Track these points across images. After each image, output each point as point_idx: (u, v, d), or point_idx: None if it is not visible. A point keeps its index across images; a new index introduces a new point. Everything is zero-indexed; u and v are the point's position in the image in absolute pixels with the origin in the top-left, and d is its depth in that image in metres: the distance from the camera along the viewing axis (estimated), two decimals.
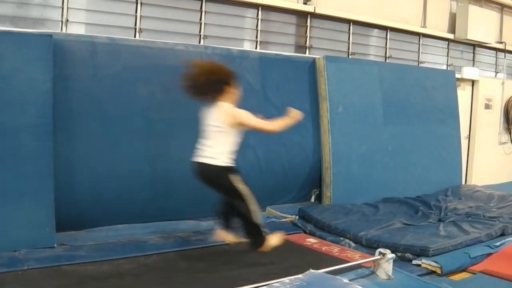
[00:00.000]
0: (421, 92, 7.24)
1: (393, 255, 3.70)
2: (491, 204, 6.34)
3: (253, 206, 3.88)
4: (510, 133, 9.39)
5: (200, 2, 5.75)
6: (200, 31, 5.78)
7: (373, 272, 3.70)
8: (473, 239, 4.71)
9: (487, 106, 9.00)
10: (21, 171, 4.04)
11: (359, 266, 3.83)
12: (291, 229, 5.18)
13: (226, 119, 3.80)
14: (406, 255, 4.35)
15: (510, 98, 9.33)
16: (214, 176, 3.83)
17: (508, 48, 9.50)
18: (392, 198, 6.31)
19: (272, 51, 6.22)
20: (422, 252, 4.30)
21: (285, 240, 4.77)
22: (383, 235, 4.69)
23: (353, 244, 4.70)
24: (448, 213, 5.73)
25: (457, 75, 8.16)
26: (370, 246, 4.50)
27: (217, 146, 3.81)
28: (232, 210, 4.03)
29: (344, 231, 4.88)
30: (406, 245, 4.42)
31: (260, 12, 6.26)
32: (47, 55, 4.22)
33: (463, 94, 8.51)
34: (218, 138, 3.81)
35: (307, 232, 5.12)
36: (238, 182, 3.83)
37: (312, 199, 6.35)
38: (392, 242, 4.46)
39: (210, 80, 3.88)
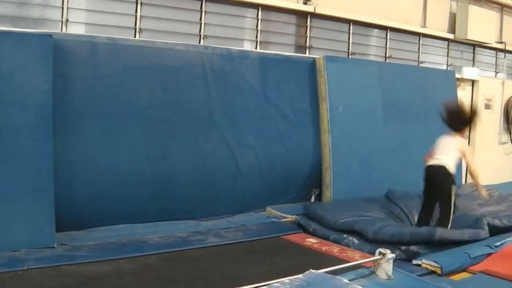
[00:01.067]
0: (421, 92, 7.24)
1: (393, 255, 3.70)
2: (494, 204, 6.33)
3: (449, 222, 4.79)
4: (510, 133, 9.39)
5: (200, 2, 5.75)
6: (200, 31, 5.78)
7: (373, 272, 3.70)
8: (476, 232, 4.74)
9: (487, 106, 8.99)
10: (20, 171, 4.04)
11: (359, 266, 3.83)
12: (291, 229, 5.18)
13: (459, 147, 5.04)
14: (411, 247, 4.38)
15: (510, 98, 9.33)
16: (439, 175, 4.94)
17: (508, 48, 9.50)
18: (398, 191, 6.32)
19: (272, 51, 6.22)
20: (428, 238, 4.36)
21: (285, 240, 4.79)
22: (388, 227, 4.70)
23: (356, 241, 4.70)
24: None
25: (457, 75, 8.16)
26: (376, 239, 4.51)
27: (447, 158, 4.98)
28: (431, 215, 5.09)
29: (349, 225, 4.86)
30: (413, 232, 4.49)
31: (260, 12, 6.26)
32: (47, 55, 4.22)
33: (463, 94, 8.51)
34: (449, 154, 5.00)
35: (310, 230, 5.11)
36: (453, 192, 4.85)
37: (312, 199, 6.35)
38: (398, 231, 4.51)
39: (459, 120, 5.16)
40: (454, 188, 4.87)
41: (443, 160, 4.95)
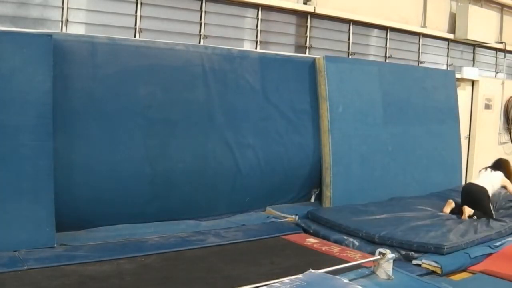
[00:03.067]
0: (421, 92, 7.24)
1: (393, 255, 3.70)
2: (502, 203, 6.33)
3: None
4: (510, 133, 9.40)
5: (200, 2, 5.75)
6: (200, 31, 5.78)
7: (373, 272, 3.70)
8: (484, 237, 4.73)
9: (487, 106, 9.00)
10: (21, 171, 4.04)
11: (359, 266, 3.83)
12: (291, 229, 5.18)
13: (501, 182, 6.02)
14: (414, 254, 4.34)
15: (510, 98, 9.33)
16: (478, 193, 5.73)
17: (508, 48, 9.50)
18: (403, 197, 6.33)
19: (272, 51, 6.22)
20: (436, 250, 4.29)
21: (285, 240, 4.79)
22: (396, 232, 4.67)
23: (357, 244, 4.68)
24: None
25: (457, 75, 8.16)
26: (383, 244, 4.47)
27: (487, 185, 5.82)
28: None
29: (356, 229, 4.84)
30: (420, 242, 4.39)
31: (260, 12, 6.26)
32: (47, 55, 4.22)
33: (463, 94, 8.51)
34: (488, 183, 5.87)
35: (311, 232, 5.11)
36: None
37: (312, 199, 6.35)
38: (406, 240, 4.45)
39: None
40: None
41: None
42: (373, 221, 5.16)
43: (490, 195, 5.79)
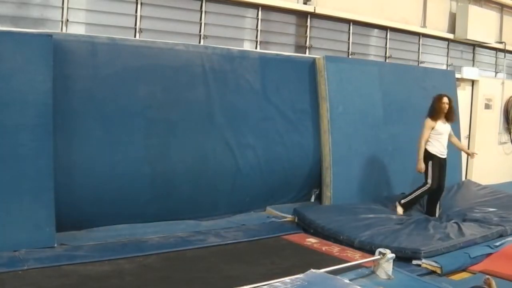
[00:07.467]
0: (421, 92, 7.23)
1: (393, 255, 3.70)
2: (493, 204, 6.30)
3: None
4: (510, 133, 9.39)
5: (200, 2, 5.75)
6: (200, 31, 5.78)
7: (373, 272, 3.70)
8: (468, 241, 4.65)
9: (487, 106, 9.00)
10: (21, 171, 4.04)
11: (359, 266, 3.83)
12: (291, 229, 5.18)
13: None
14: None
15: (510, 98, 9.33)
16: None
17: (508, 48, 9.50)
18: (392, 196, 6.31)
19: (272, 51, 6.22)
20: (413, 255, 4.24)
21: (285, 240, 4.79)
22: (376, 237, 4.61)
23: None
24: (449, 213, 5.71)
25: (457, 75, 8.16)
26: (362, 249, 4.45)
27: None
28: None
29: (337, 232, 4.79)
30: (398, 247, 4.31)
31: (260, 12, 6.25)
32: (47, 55, 4.22)
33: (463, 94, 8.51)
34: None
35: (311, 231, 5.05)
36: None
37: (312, 199, 6.35)
38: (384, 245, 4.31)
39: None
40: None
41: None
42: (357, 224, 5.03)
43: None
